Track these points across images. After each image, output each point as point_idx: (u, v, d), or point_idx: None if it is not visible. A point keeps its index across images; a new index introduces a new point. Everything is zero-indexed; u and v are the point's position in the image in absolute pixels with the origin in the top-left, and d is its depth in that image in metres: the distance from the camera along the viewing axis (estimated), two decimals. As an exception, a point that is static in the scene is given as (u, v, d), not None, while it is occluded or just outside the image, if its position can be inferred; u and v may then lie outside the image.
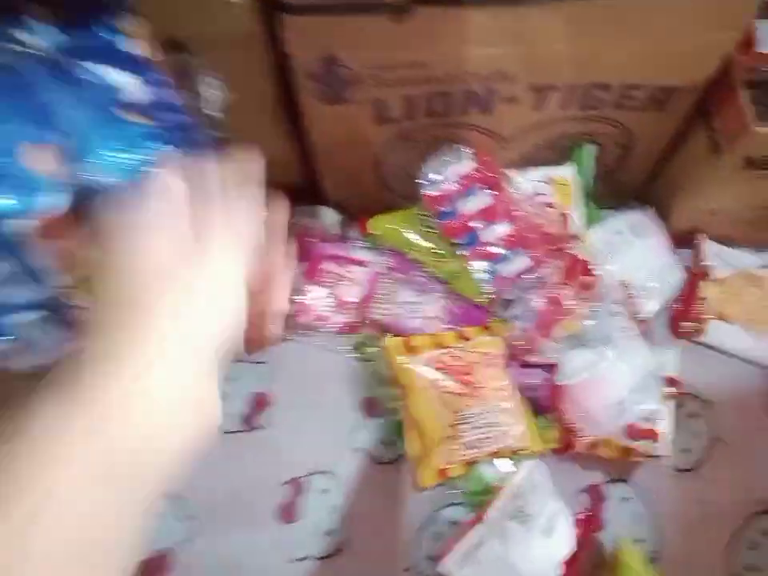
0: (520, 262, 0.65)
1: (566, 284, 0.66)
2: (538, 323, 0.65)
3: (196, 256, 0.31)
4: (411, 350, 0.65)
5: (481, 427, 0.61)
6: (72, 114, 0.35)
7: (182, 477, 0.30)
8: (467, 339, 0.67)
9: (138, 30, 0.41)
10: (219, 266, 0.32)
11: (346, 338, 0.69)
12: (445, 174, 0.66)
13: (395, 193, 0.79)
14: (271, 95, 0.66)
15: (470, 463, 0.61)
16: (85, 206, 0.36)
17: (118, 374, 0.26)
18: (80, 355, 0.27)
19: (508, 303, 0.68)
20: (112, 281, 0.29)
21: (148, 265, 0.29)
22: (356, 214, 0.86)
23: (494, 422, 0.62)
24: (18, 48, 0.35)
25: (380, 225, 0.72)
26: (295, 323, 0.67)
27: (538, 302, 0.65)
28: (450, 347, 0.66)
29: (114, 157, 0.35)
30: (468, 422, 0.61)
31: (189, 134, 0.40)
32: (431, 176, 0.67)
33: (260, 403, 0.73)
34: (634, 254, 0.75)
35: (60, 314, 0.47)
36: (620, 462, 0.66)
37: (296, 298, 0.67)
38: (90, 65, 0.36)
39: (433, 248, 0.68)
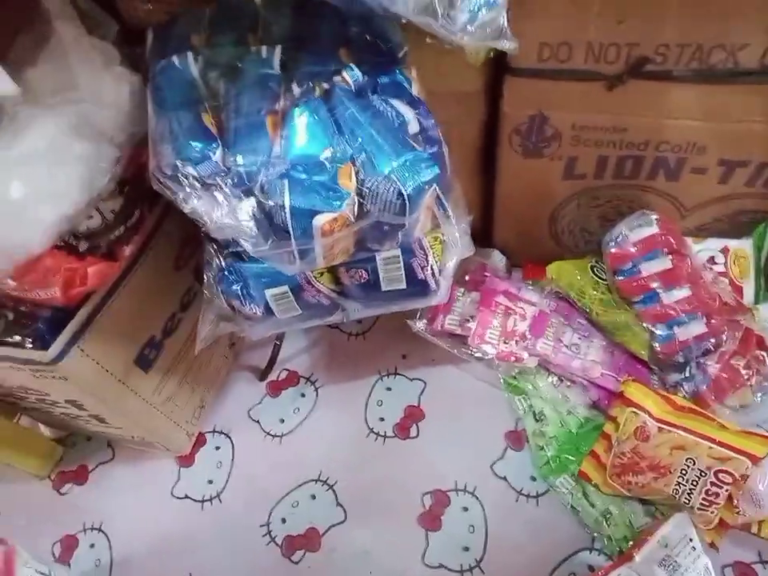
0: (696, 327, 0.67)
1: (741, 354, 0.66)
2: (712, 388, 0.66)
3: None
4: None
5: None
6: (374, 136, 0.45)
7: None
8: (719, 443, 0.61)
9: (414, 77, 0.52)
10: None
11: (505, 367, 0.74)
12: (630, 235, 0.70)
13: (562, 246, 0.85)
14: (475, 146, 0.75)
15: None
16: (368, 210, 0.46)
17: None
18: None
19: (677, 366, 0.69)
20: None
21: None
22: (518, 259, 0.92)
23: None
24: (337, 83, 0.47)
25: (557, 270, 0.77)
26: (462, 344, 0.74)
27: (714, 367, 0.66)
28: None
29: (402, 174, 0.45)
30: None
31: (441, 162, 0.49)
32: (617, 235, 0.72)
33: (412, 415, 0.79)
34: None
35: (298, 293, 0.57)
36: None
37: (467, 321, 0.73)
38: (386, 99, 0.47)
39: (602, 297, 0.73)
